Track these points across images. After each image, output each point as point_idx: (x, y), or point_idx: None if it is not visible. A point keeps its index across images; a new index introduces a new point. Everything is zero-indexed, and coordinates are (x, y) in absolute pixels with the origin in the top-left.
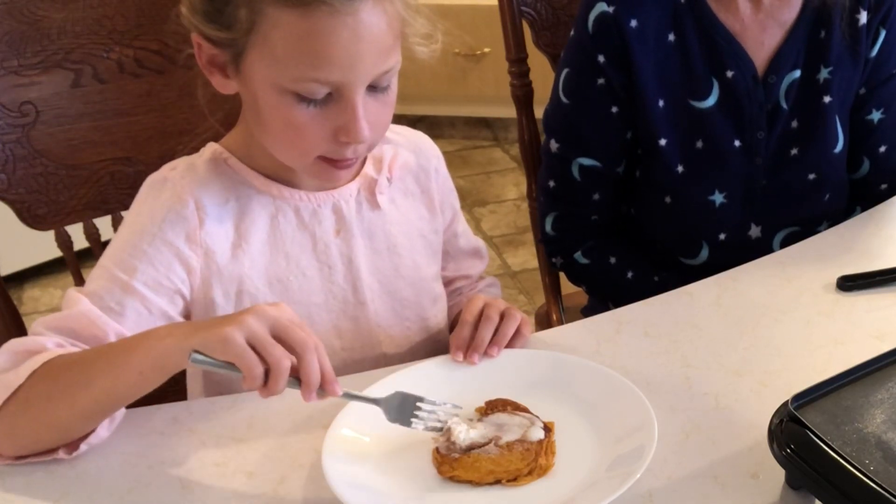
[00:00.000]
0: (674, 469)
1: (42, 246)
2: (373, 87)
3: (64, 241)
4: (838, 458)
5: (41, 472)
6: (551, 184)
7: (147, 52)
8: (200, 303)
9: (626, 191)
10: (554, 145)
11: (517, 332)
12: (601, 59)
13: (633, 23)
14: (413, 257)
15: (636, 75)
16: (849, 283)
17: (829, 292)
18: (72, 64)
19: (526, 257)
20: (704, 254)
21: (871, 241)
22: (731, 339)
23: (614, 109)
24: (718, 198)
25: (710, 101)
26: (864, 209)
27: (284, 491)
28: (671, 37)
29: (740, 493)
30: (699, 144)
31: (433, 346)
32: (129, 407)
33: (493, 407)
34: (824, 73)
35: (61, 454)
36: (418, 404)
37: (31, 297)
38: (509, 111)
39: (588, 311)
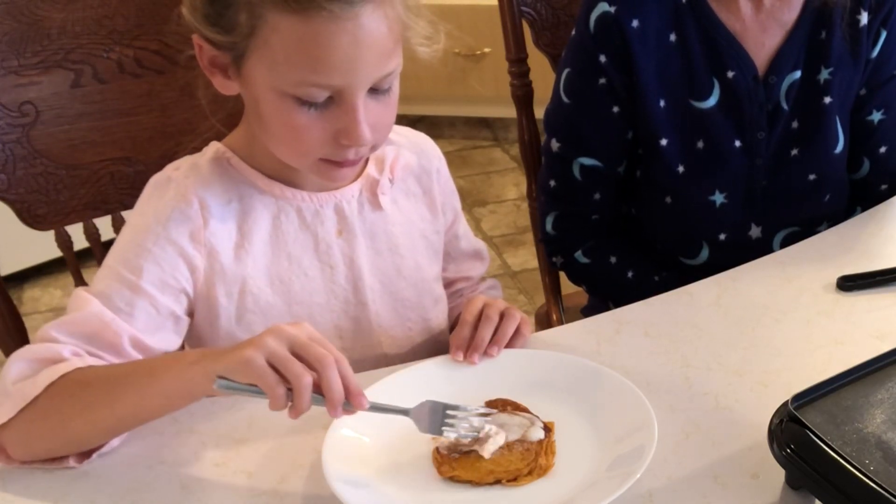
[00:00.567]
0: (674, 469)
1: (42, 246)
2: (374, 90)
3: (64, 241)
4: (838, 458)
5: (41, 473)
6: (552, 183)
7: (147, 52)
8: (203, 302)
9: (627, 191)
10: (555, 145)
11: (517, 332)
12: (602, 58)
13: (635, 23)
14: (415, 258)
15: (637, 75)
16: (849, 283)
17: (829, 292)
18: (72, 64)
19: (526, 257)
20: (705, 254)
21: (871, 241)
22: (731, 339)
23: (615, 109)
24: (719, 198)
25: (711, 102)
26: (864, 210)
27: (284, 491)
28: (672, 37)
29: (740, 493)
30: (700, 144)
31: (434, 346)
32: None
33: (493, 407)
34: (825, 74)
35: (72, 462)
36: (448, 412)
37: (31, 297)
38: (509, 111)
39: (588, 311)
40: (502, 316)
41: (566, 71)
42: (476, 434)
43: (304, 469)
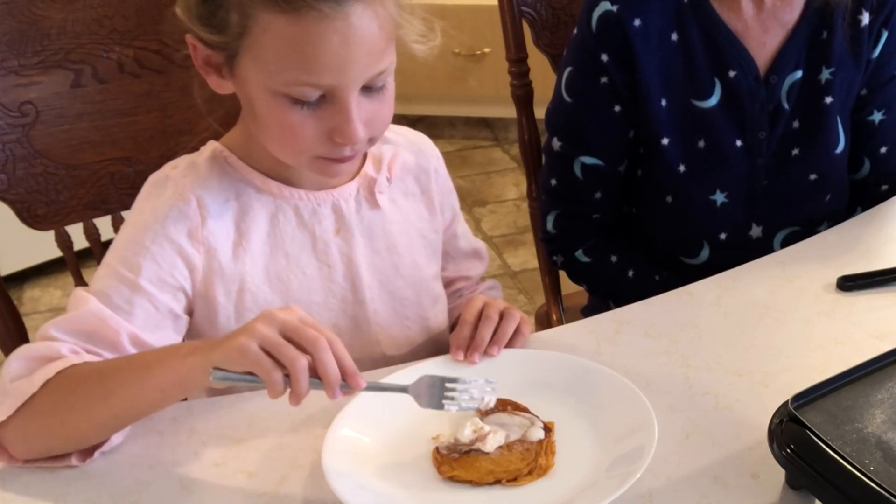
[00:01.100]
0: (674, 469)
1: (42, 246)
2: (367, 88)
3: (64, 241)
4: (838, 458)
5: (41, 473)
6: (553, 182)
7: (147, 52)
8: (202, 301)
9: (628, 190)
10: (556, 144)
11: (517, 332)
12: (604, 58)
13: (637, 22)
14: (413, 257)
15: (639, 74)
16: (849, 283)
17: (829, 292)
18: (72, 64)
19: (526, 257)
20: (705, 253)
21: (871, 241)
22: (731, 339)
23: (617, 108)
24: (719, 197)
25: (713, 101)
26: (864, 210)
27: (284, 491)
28: (674, 36)
29: (740, 493)
30: (701, 144)
31: (434, 347)
32: None
33: (494, 407)
34: (826, 74)
35: (74, 461)
36: (448, 385)
37: (31, 297)
38: (509, 111)
39: (588, 311)
40: (502, 315)
41: (568, 70)
42: (477, 405)
43: (304, 469)
